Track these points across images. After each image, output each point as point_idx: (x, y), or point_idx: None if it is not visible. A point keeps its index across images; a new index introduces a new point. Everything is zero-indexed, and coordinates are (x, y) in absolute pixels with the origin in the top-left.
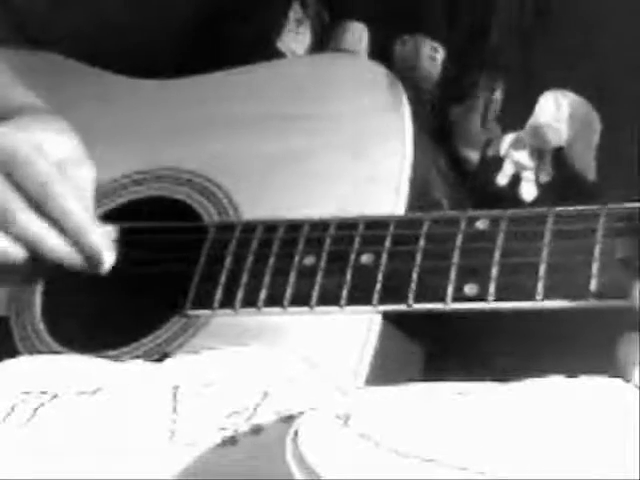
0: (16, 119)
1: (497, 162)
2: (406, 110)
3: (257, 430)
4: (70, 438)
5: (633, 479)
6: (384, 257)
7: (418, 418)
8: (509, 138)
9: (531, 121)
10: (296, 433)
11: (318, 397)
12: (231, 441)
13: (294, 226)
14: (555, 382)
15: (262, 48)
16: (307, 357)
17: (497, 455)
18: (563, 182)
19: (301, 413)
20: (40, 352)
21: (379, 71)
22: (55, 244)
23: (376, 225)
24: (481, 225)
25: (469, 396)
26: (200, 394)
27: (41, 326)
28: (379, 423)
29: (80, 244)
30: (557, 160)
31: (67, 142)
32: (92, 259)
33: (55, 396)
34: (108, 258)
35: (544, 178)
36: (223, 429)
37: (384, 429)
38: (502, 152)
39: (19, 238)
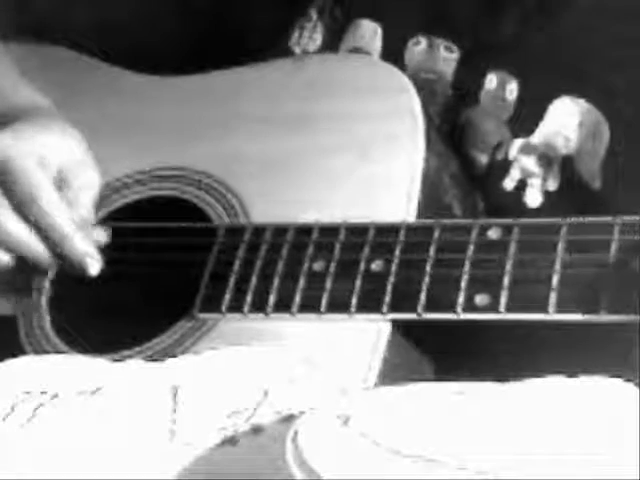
0: (17, 124)
1: (505, 166)
2: (419, 113)
3: (257, 430)
4: (70, 438)
5: (633, 479)
6: (394, 265)
7: (418, 418)
8: (518, 143)
9: (541, 127)
10: (296, 433)
11: (318, 397)
12: (231, 441)
13: (304, 230)
14: (555, 382)
15: (273, 46)
16: (308, 357)
17: (497, 455)
18: (569, 190)
19: (301, 413)
20: (47, 352)
21: (393, 73)
22: (38, 250)
23: (387, 231)
24: (493, 234)
25: (469, 396)
26: (200, 394)
27: (48, 326)
28: (379, 423)
29: (64, 253)
30: (564, 168)
31: (69, 147)
32: (77, 266)
33: (55, 396)
34: (93, 266)
35: (551, 185)
36: (223, 429)
37: (384, 429)
38: (511, 157)
39: (4, 242)
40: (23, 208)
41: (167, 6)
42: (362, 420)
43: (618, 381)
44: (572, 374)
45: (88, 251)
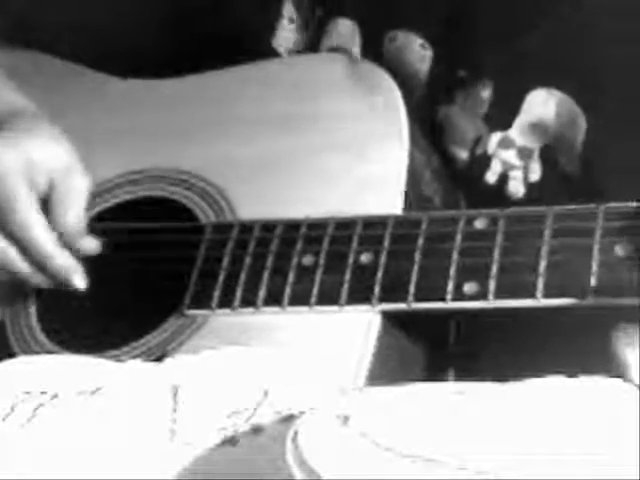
0: (4, 130)
1: (486, 160)
2: (403, 110)
3: (257, 430)
4: (70, 438)
5: (633, 479)
6: (383, 256)
7: (418, 418)
8: (496, 137)
9: (518, 120)
10: (296, 433)
11: (318, 397)
12: (231, 441)
13: (292, 226)
14: (555, 382)
15: (254, 46)
16: (307, 357)
17: (497, 455)
18: (551, 180)
19: (301, 413)
20: (36, 353)
21: (375, 71)
22: (22, 265)
23: (374, 224)
24: (479, 224)
25: (469, 396)
26: (200, 394)
27: (37, 327)
28: (379, 423)
29: (46, 269)
30: (544, 158)
31: (56, 152)
32: (61, 281)
33: (55, 396)
34: (78, 280)
35: (532, 177)
36: (223, 429)
37: (384, 429)
38: (490, 151)
39: None
40: (2, 221)
41: (157, 11)
42: (362, 420)
43: (618, 381)
44: (572, 374)
45: (70, 268)
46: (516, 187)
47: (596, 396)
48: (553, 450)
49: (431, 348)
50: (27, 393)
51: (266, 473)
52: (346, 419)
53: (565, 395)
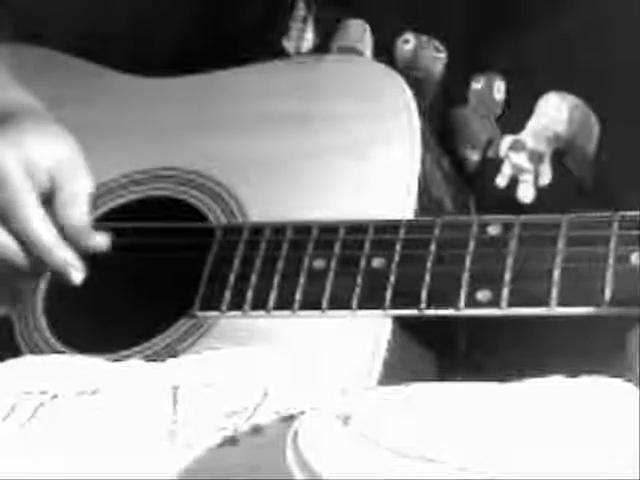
0: (4, 128)
1: (497, 164)
2: (415, 111)
3: (257, 430)
4: (70, 438)
5: (633, 479)
6: (395, 261)
7: (418, 418)
8: (508, 140)
9: (530, 123)
10: (296, 433)
11: (318, 397)
12: (231, 441)
13: (303, 229)
14: (555, 382)
15: (265, 45)
16: (317, 361)
17: (497, 455)
18: (561, 184)
19: (301, 413)
20: (43, 353)
21: (387, 73)
22: (20, 257)
23: (386, 229)
24: (493, 231)
25: (469, 396)
26: (200, 394)
27: (44, 327)
28: (379, 423)
29: (45, 262)
30: (556, 163)
31: (58, 151)
32: (59, 274)
33: (55, 396)
34: (75, 276)
35: (543, 181)
36: (223, 429)
37: (384, 429)
38: (501, 154)
39: None
40: (4, 217)
41: (170, 11)
42: (362, 420)
43: (618, 381)
44: (572, 374)
45: (68, 261)
46: (526, 191)
47: (596, 396)
48: (553, 450)
49: (441, 353)
50: (27, 393)
51: (266, 473)
52: (346, 419)
53: (565, 395)
